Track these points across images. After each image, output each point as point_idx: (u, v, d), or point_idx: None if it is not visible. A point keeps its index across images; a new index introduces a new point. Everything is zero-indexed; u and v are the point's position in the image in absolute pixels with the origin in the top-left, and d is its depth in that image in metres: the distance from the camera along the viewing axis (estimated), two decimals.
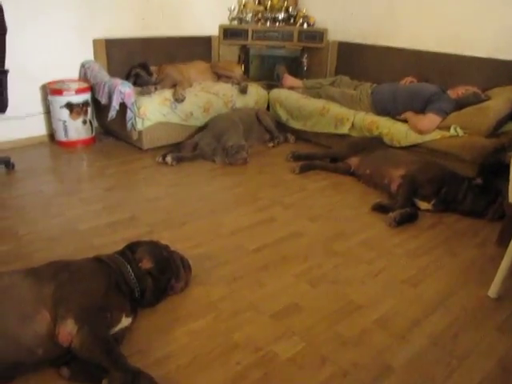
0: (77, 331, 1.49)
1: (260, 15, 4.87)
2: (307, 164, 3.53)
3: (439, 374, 1.65)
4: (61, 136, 3.81)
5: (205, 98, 4.02)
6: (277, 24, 4.84)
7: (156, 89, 3.85)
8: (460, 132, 3.25)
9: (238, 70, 4.59)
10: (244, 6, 4.85)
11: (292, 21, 4.90)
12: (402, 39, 4.29)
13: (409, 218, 2.76)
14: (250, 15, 4.81)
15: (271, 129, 4.13)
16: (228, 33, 4.79)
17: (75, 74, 4.00)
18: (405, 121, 3.55)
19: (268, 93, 4.53)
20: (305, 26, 4.83)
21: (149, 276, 1.84)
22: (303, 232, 2.63)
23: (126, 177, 3.37)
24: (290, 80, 4.48)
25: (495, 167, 3.02)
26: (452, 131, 3.26)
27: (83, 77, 3.95)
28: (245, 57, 4.91)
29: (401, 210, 2.76)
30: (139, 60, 4.10)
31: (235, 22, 4.85)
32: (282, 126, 4.29)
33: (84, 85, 3.81)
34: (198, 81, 4.32)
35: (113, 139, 4.09)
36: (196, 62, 4.52)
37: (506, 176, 1.86)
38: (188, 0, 4.53)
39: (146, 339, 1.75)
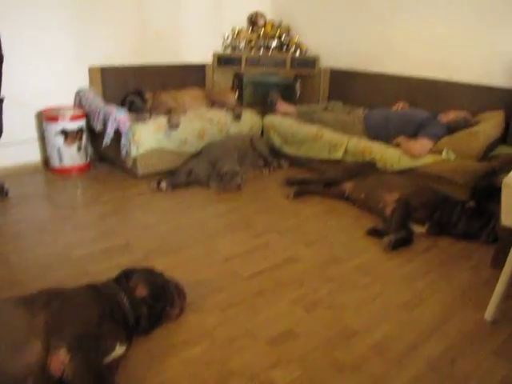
0: (69, 360, 1.46)
1: (253, 43, 4.97)
2: (301, 189, 3.55)
3: None
4: (55, 162, 3.82)
5: (199, 124, 4.06)
6: (270, 51, 4.93)
7: (151, 115, 3.87)
8: (452, 155, 3.29)
9: (232, 97, 4.65)
10: (237, 34, 4.94)
11: (285, 48, 4.99)
12: (392, 65, 4.37)
13: (404, 242, 2.77)
14: (243, 43, 4.91)
15: (265, 155, 4.16)
16: (222, 60, 4.87)
17: (70, 101, 4.03)
18: (398, 146, 3.59)
19: (262, 119, 4.58)
20: (297, 53, 4.91)
21: (144, 303, 1.82)
22: (298, 257, 2.63)
23: (121, 203, 3.36)
24: (283, 106, 4.53)
25: (487, 190, 3.05)
26: (444, 155, 3.31)
27: (78, 104, 3.98)
28: (238, 83, 4.96)
29: (395, 234, 2.77)
30: (134, 87, 4.15)
31: (229, 50, 4.93)
32: (276, 152, 4.33)
33: (79, 112, 3.83)
34: (193, 107, 4.35)
35: (107, 165, 4.10)
36: (190, 89, 4.58)
37: (498, 199, 1.88)
38: (183, 29, 4.62)
39: (141, 367, 1.72)
